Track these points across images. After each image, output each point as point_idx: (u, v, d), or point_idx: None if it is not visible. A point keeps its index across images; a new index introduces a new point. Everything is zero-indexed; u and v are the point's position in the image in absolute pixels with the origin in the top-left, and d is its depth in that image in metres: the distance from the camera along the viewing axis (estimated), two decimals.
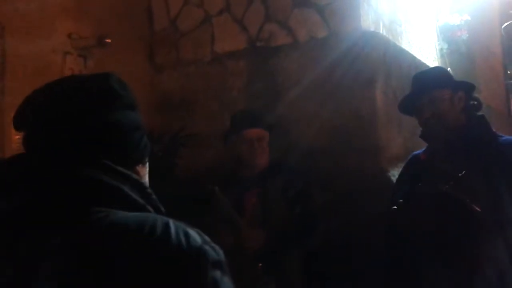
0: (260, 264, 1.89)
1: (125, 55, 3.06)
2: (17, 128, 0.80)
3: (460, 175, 1.65)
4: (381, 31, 2.96)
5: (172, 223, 0.69)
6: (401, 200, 1.75)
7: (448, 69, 4.02)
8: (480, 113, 1.85)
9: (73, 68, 2.86)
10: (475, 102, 1.83)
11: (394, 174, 2.67)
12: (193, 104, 3.02)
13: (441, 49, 3.96)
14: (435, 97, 1.78)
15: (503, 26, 3.93)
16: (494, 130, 1.81)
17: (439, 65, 4.02)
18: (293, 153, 2.50)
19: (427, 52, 3.75)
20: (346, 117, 2.73)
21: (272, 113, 2.75)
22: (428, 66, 3.58)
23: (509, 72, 5.97)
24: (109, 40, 2.97)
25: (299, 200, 2.05)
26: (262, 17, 2.93)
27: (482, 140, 1.74)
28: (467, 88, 1.83)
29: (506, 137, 1.78)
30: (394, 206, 1.74)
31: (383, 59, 2.80)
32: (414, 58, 3.23)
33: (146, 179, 0.85)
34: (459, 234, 1.60)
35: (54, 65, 2.76)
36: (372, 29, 2.84)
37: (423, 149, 1.98)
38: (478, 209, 1.58)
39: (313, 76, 2.80)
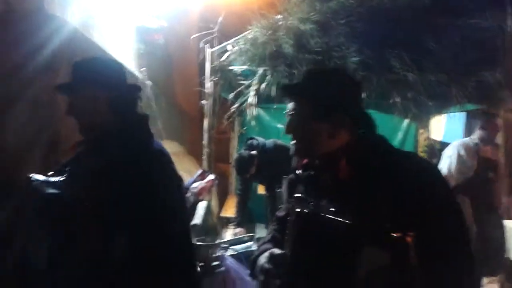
0: None
1: None
2: None
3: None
4: (69, 19, 2.82)
5: None
6: None
7: (143, 68, 4.19)
8: (145, 112, 1.89)
9: None
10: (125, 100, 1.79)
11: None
12: None
13: (138, 50, 4.08)
14: (77, 92, 1.76)
15: (191, 37, 4.33)
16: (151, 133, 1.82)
17: (136, 65, 4.14)
18: None
19: (123, 50, 3.80)
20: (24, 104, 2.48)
21: None
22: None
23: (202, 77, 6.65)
24: None
25: None
26: None
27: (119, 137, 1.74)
28: (109, 86, 1.78)
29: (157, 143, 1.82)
30: None
31: (69, 47, 2.67)
32: (104, 52, 3.21)
33: None
34: None
35: None
36: (58, 14, 2.67)
37: None
38: None
39: None
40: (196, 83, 6.50)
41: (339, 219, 1.33)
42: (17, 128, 2.45)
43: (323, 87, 1.51)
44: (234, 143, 6.01)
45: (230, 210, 5.07)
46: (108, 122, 1.75)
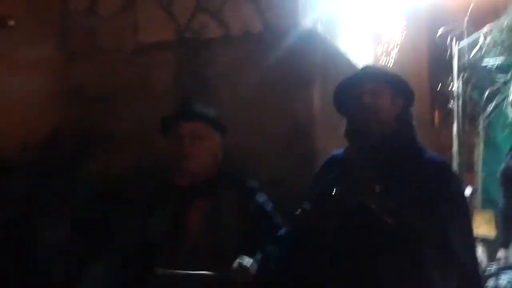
0: None
1: (31, 40, 2.65)
2: None
3: (378, 187, 1.53)
4: (319, 30, 2.80)
5: None
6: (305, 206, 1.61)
7: None
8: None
9: None
10: (410, 112, 1.70)
11: None
12: (111, 99, 2.67)
13: (375, 56, 3.91)
14: (378, 88, 1.60)
15: (438, 33, 3.96)
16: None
17: None
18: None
19: (363, 57, 3.67)
20: (282, 120, 2.54)
21: None
22: None
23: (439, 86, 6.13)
24: (13, 22, 2.58)
25: (262, 216, 1.75)
26: (193, 6, 2.65)
27: (408, 151, 1.62)
28: (408, 95, 1.68)
29: (431, 154, 1.68)
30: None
31: (321, 59, 2.64)
32: (350, 61, 3.11)
33: None
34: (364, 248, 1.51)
35: None
36: (310, 26, 2.66)
37: (342, 149, 1.76)
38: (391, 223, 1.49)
39: (246, 73, 2.57)
40: (426, 84, 6.03)
41: None
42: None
43: None
44: (480, 149, 5.32)
45: (478, 228, 4.45)
46: (393, 127, 1.63)
